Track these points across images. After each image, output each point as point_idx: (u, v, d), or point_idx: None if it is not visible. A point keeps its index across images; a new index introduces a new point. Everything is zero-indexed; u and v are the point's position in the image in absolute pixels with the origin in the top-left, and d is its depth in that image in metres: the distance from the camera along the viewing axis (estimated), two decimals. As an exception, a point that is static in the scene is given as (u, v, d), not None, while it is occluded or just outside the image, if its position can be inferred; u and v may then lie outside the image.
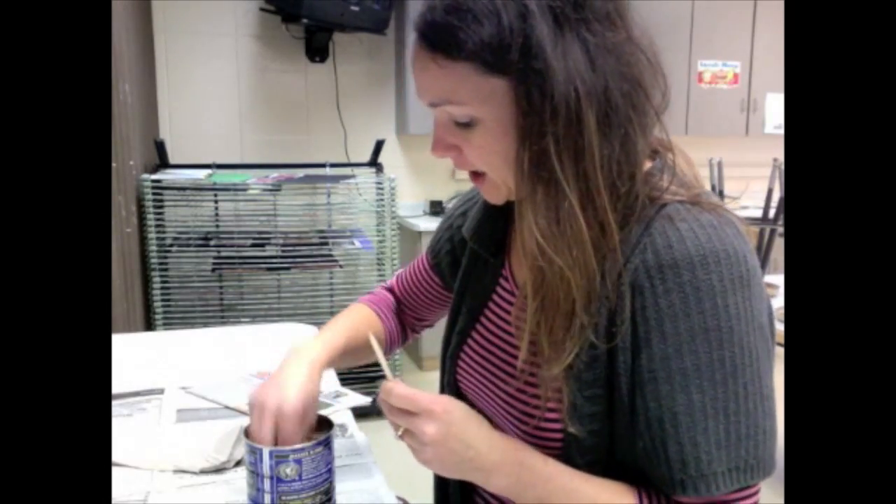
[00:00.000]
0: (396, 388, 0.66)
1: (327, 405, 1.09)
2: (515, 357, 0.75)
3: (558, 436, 0.69)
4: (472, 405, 0.78)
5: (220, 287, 2.90)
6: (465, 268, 0.88)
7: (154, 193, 2.62)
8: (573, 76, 0.61)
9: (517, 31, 0.60)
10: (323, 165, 3.05)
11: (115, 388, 1.14)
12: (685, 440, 0.62)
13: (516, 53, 0.61)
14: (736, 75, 3.78)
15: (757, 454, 0.63)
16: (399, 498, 0.90)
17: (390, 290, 1.06)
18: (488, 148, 0.66)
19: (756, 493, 0.65)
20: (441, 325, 0.95)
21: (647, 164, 0.69)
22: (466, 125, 0.66)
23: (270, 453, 0.71)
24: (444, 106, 0.66)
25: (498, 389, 0.77)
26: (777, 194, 2.12)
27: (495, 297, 0.82)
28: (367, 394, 1.14)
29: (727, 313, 0.62)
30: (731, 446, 0.62)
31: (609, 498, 0.65)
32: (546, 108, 0.61)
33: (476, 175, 0.72)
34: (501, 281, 0.82)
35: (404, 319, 1.06)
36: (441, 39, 0.63)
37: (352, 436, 1.01)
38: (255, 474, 0.71)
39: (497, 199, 0.73)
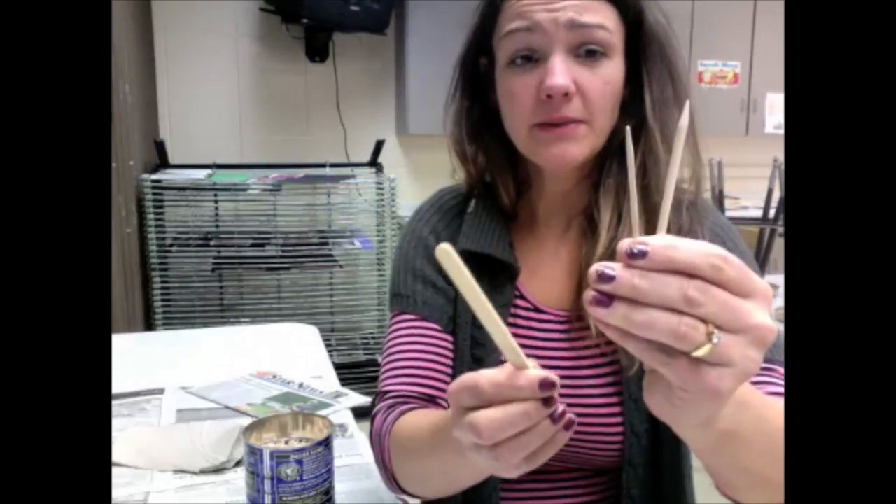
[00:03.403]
0: (718, 249, 0.38)
1: (327, 405, 1.09)
2: (566, 374, 0.74)
3: (619, 429, 0.72)
4: None
5: (220, 287, 2.90)
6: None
7: (154, 193, 2.62)
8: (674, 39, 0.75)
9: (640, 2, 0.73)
10: (323, 165, 3.05)
11: (115, 388, 1.14)
12: None
13: (639, 13, 0.72)
14: (736, 75, 3.78)
15: None
16: (400, 498, 0.90)
17: (393, 404, 0.78)
18: (612, 84, 0.71)
19: None
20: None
21: None
22: (599, 56, 0.70)
23: (271, 454, 0.70)
24: (594, 29, 0.69)
25: None
26: (777, 194, 2.12)
27: (514, 320, 0.78)
28: (367, 394, 1.14)
29: None
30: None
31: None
32: (664, 56, 0.74)
33: (566, 127, 0.71)
34: (517, 301, 0.79)
35: None
36: None
37: (352, 436, 1.01)
38: (255, 475, 0.71)
39: (581, 152, 0.72)
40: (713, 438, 0.48)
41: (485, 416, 0.44)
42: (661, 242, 0.37)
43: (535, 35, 0.69)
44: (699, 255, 0.37)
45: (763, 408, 0.53)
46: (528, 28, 0.69)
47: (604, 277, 0.38)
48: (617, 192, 0.75)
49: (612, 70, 0.71)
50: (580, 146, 0.71)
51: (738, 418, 0.48)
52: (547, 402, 0.45)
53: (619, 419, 0.73)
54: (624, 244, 0.38)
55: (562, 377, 0.75)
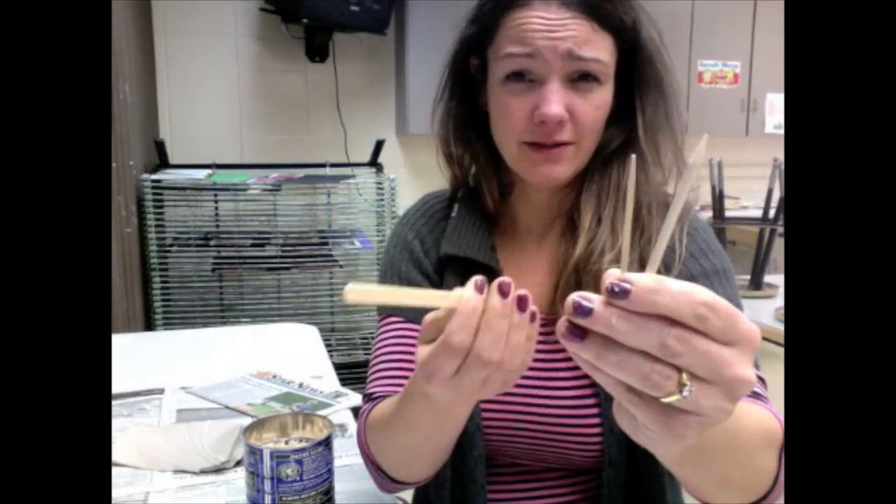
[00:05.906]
0: (705, 293, 0.36)
1: (327, 405, 1.09)
2: (542, 375, 0.75)
3: (597, 430, 0.73)
4: (494, 452, 0.79)
5: (220, 287, 2.90)
6: None
7: (154, 193, 2.62)
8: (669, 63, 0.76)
9: (638, 25, 0.74)
10: (323, 165, 3.05)
11: (115, 388, 1.14)
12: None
13: (635, 37, 0.73)
14: (736, 75, 3.78)
15: None
16: (399, 498, 0.90)
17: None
18: (603, 108, 0.73)
19: None
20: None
21: None
22: (592, 83, 0.72)
23: (271, 454, 0.71)
24: (590, 62, 0.70)
25: (539, 416, 0.75)
26: (777, 194, 2.12)
27: None
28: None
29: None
30: None
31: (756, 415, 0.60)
32: (657, 78, 0.75)
33: (554, 149, 0.73)
34: None
35: None
36: (600, 12, 0.71)
37: (352, 436, 1.01)
38: (255, 475, 0.72)
39: (566, 172, 0.75)
40: (680, 454, 0.48)
41: (448, 325, 0.48)
42: (647, 284, 0.35)
43: (534, 61, 0.71)
44: (685, 302, 0.35)
45: (731, 420, 0.52)
46: (528, 55, 0.70)
47: (580, 310, 0.36)
48: (599, 197, 0.76)
49: (604, 94, 0.73)
50: (566, 166, 0.74)
51: (706, 435, 0.48)
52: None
53: (596, 420, 0.73)
54: (608, 278, 0.36)
55: (539, 378, 0.76)
